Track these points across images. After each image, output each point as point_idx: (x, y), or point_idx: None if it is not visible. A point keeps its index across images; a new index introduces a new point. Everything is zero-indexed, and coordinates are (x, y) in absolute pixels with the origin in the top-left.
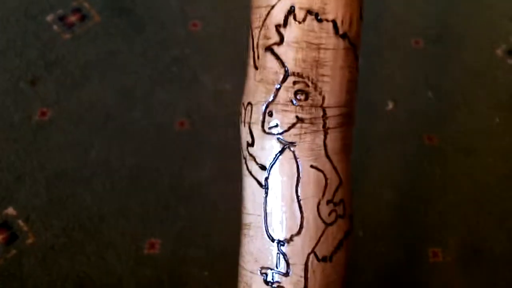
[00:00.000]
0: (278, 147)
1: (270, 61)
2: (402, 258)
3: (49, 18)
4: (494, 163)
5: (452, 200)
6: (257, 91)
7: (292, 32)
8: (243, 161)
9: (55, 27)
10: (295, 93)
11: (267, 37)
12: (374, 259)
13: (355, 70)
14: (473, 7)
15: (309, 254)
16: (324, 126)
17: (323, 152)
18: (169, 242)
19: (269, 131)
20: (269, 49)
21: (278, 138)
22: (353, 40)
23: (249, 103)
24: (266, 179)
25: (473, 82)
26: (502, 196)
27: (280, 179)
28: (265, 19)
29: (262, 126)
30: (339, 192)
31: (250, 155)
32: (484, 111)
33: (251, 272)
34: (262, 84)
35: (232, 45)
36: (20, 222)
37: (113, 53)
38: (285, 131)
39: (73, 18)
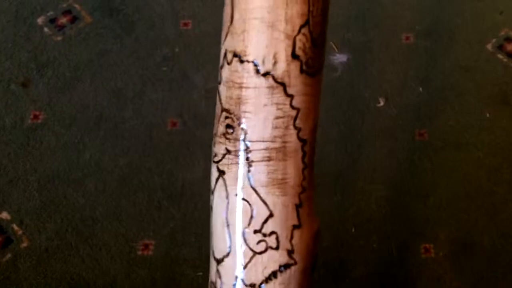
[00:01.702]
0: (216, 174)
1: (217, 99)
2: (394, 254)
3: (40, 20)
4: (484, 157)
5: (443, 194)
6: (214, 125)
7: (224, 73)
8: None
9: (46, 29)
10: (226, 127)
11: (217, 79)
12: (366, 255)
13: (288, 107)
14: (464, 1)
15: (236, 277)
16: (247, 159)
17: (247, 183)
18: (163, 243)
19: (213, 159)
20: (217, 88)
21: (216, 166)
22: (280, 78)
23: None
24: (212, 202)
25: (463, 76)
26: (492, 189)
27: (217, 204)
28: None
29: (211, 155)
30: (269, 224)
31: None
32: (474, 105)
33: (209, 283)
34: (214, 119)
35: None
36: (15, 226)
37: (104, 54)
38: (219, 160)
39: (63, 20)
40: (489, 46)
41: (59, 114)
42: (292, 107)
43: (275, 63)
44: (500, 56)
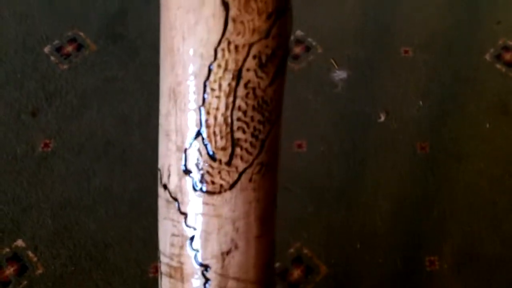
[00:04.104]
0: None
1: None
2: (399, 268)
3: (46, 49)
4: (485, 168)
5: (446, 206)
6: None
7: None
8: None
9: (52, 58)
10: None
11: None
12: (371, 270)
13: (181, 225)
14: (461, 12)
15: None
16: (160, 268)
17: None
18: None
19: None
20: None
21: None
22: (174, 193)
23: None
24: None
25: (462, 88)
26: (495, 199)
27: None
28: None
29: None
30: None
31: None
32: (474, 116)
33: None
34: None
35: None
36: (30, 253)
37: (110, 80)
38: None
39: (69, 48)
40: (487, 56)
41: (68, 142)
42: (187, 226)
43: (169, 175)
44: (498, 66)
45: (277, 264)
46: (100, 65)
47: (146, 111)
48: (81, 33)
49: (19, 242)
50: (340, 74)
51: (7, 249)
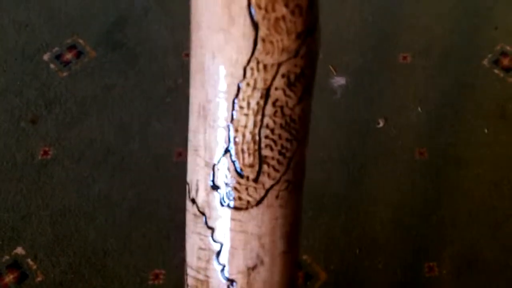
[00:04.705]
0: None
1: None
2: (399, 274)
3: (46, 57)
4: (484, 173)
5: (445, 212)
6: None
7: None
8: None
9: (52, 65)
10: None
11: None
12: (371, 276)
13: (208, 240)
14: (459, 18)
15: None
16: (186, 280)
17: None
18: (173, 272)
19: None
20: None
21: None
22: (202, 208)
23: None
24: None
25: (461, 93)
26: (494, 205)
27: None
28: None
29: None
30: None
31: None
32: (473, 122)
33: None
34: None
35: None
36: (29, 261)
37: (109, 88)
38: None
39: (69, 56)
40: (485, 62)
41: (68, 149)
42: (214, 240)
43: (197, 190)
44: (496, 71)
45: None
46: (100, 72)
47: (145, 118)
48: (81, 41)
49: (19, 250)
50: (339, 81)
51: (7, 257)
